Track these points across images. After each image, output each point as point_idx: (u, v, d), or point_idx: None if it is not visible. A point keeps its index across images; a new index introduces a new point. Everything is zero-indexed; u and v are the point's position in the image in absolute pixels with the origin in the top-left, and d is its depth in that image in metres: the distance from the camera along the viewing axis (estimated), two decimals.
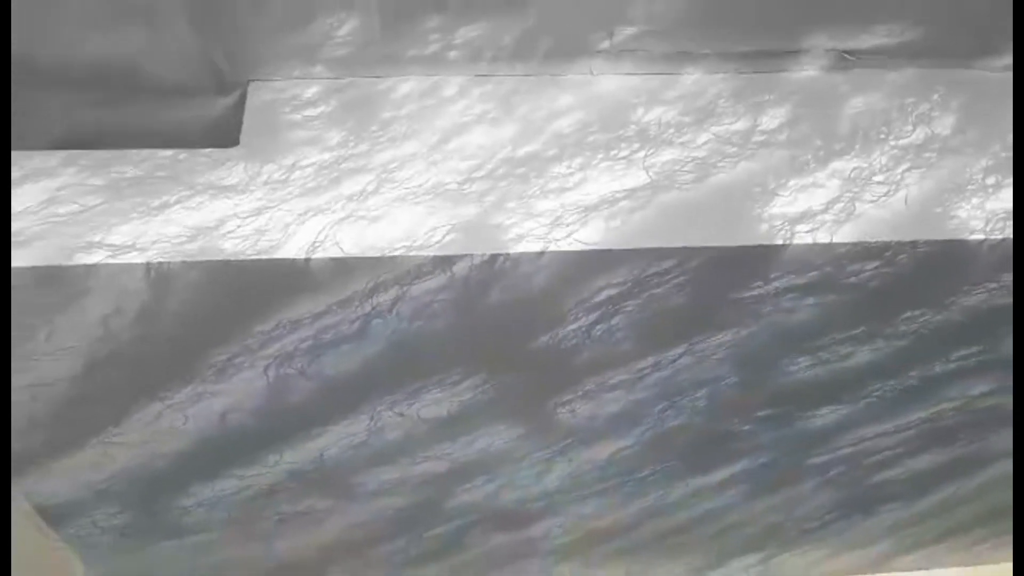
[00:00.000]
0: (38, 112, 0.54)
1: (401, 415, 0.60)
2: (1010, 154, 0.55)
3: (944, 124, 0.57)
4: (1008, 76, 0.60)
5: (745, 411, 0.64)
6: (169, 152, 0.51)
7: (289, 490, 0.68)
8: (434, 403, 0.58)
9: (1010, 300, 0.55)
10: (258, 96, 0.54)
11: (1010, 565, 0.98)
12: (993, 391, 0.65)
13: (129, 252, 0.46)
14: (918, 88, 0.58)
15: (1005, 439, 0.72)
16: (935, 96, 0.59)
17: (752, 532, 0.84)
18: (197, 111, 0.54)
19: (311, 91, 0.55)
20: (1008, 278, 0.54)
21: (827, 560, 0.93)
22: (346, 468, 0.66)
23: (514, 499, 0.73)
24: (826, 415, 0.66)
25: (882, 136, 0.55)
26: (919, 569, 0.98)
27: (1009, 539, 0.93)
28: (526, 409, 0.61)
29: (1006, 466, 0.77)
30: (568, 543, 0.82)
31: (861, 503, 0.81)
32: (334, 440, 0.62)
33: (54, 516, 0.67)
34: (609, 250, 0.48)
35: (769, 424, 0.66)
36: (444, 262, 0.47)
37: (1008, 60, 0.59)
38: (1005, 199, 0.53)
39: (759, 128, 0.55)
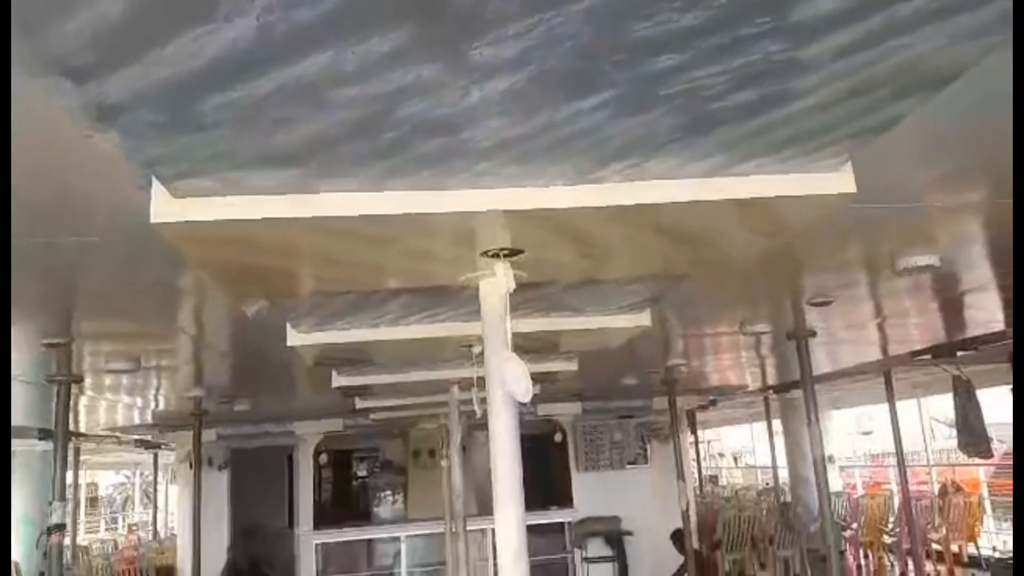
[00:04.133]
0: None
1: (354, 52, 0.84)
2: None
3: None
4: None
5: (604, 56, 0.89)
6: None
7: (278, 100, 0.94)
8: (375, 46, 0.82)
9: None
10: None
11: (815, 175, 1.32)
12: (787, 48, 0.91)
13: None
14: None
15: (798, 83, 0.99)
16: None
17: (619, 145, 1.14)
18: None
19: None
20: None
21: (680, 167, 1.25)
22: (318, 86, 0.91)
23: (443, 113, 1.00)
24: (665, 61, 0.91)
25: None
26: (754, 175, 1.31)
27: (812, 156, 1.25)
28: (445, 51, 0.85)
29: (800, 103, 1.05)
30: (484, 148, 1.12)
31: (700, 125, 1.10)
32: (308, 68, 0.86)
33: (109, 114, 0.93)
34: None
35: (624, 66, 0.92)
36: None
37: None
38: None
39: None
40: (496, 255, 1.61)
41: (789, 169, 1.29)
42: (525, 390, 1.55)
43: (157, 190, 1.22)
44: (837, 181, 1.31)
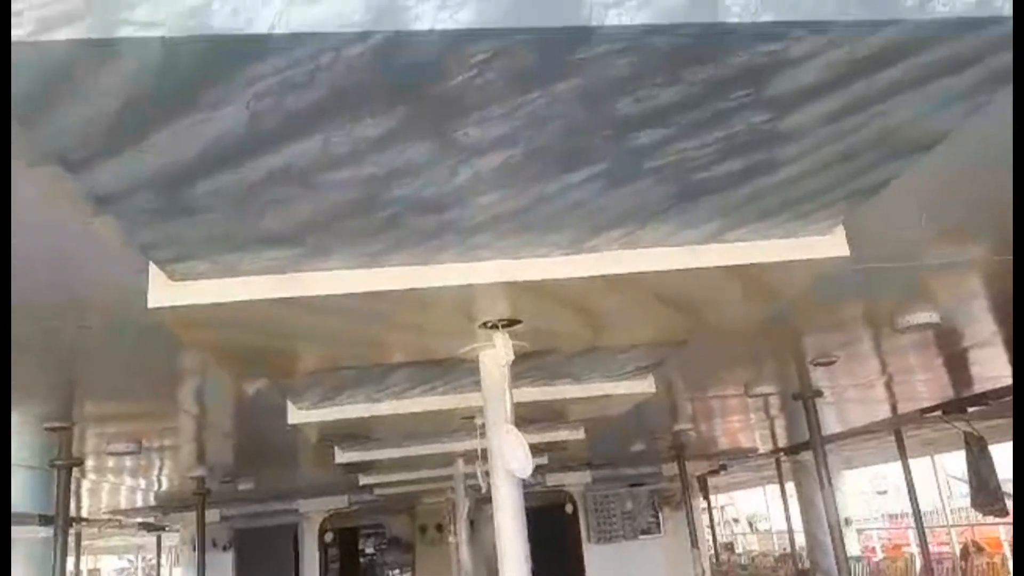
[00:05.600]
0: None
1: (347, 135, 0.86)
2: None
3: None
4: None
5: (592, 133, 0.91)
6: None
7: (270, 184, 0.95)
8: (367, 128, 0.84)
9: (763, 61, 0.80)
10: None
11: (808, 239, 1.33)
12: (770, 119, 0.92)
13: (149, 28, 0.67)
14: None
15: (784, 151, 1.00)
16: None
17: (613, 215, 1.15)
18: None
19: None
20: (762, 46, 0.78)
21: (674, 234, 1.26)
22: (310, 170, 0.92)
23: (433, 192, 1.02)
24: (650, 135, 0.92)
25: None
26: (745, 240, 1.32)
27: (804, 221, 1.26)
28: (433, 134, 0.87)
29: (788, 171, 1.06)
30: (477, 222, 1.13)
31: (690, 194, 1.11)
32: (299, 152, 0.88)
33: (105, 200, 0.94)
34: (477, 28, 0.70)
35: (610, 140, 0.93)
36: (364, 35, 0.70)
37: None
38: None
39: None
40: (494, 326, 1.61)
41: (782, 234, 1.30)
42: (524, 465, 1.52)
43: (154, 274, 1.23)
44: (830, 244, 1.32)
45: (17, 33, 0.64)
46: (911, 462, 7.66)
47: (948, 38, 0.78)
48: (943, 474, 12.78)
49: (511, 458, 1.55)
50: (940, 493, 12.73)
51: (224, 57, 0.69)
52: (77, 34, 0.65)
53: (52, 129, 0.77)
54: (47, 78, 0.69)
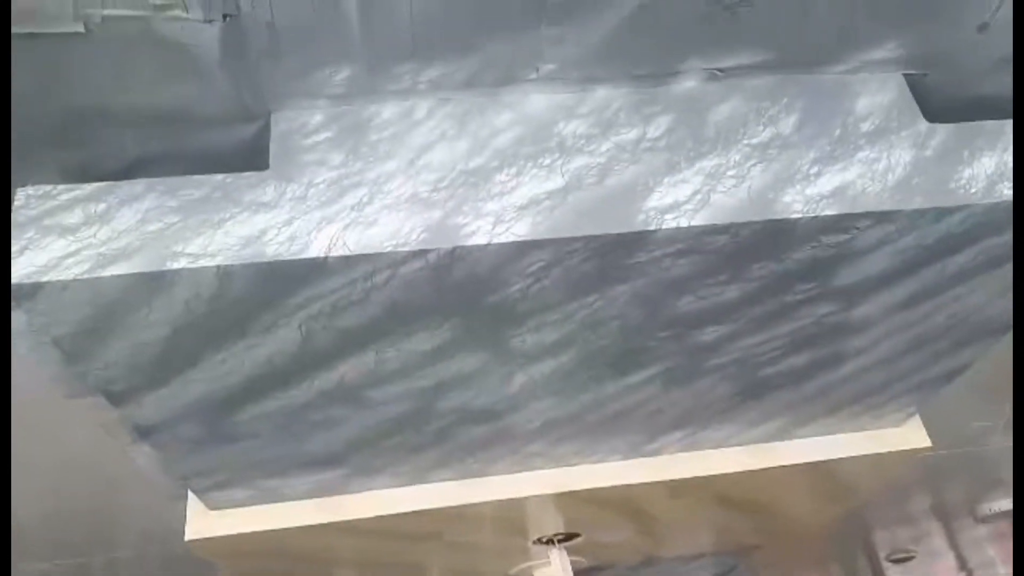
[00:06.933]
0: (115, 145, 0.73)
1: (398, 351, 0.82)
2: (834, 148, 0.75)
3: (787, 124, 0.76)
4: (844, 79, 0.80)
5: (650, 333, 0.87)
6: (220, 176, 0.71)
7: (317, 405, 0.91)
8: (420, 342, 0.81)
9: (828, 253, 0.77)
10: (278, 126, 0.74)
11: (883, 431, 1.24)
12: (835, 311, 0.88)
13: (202, 258, 0.66)
14: (771, 93, 0.77)
15: (854, 342, 0.95)
16: (784, 99, 0.78)
17: (674, 415, 1.09)
18: (235, 138, 0.74)
19: (316, 119, 0.74)
20: (826, 239, 0.75)
21: (738, 433, 1.18)
22: (360, 386, 0.89)
23: (486, 402, 0.97)
24: (712, 332, 0.88)
25: (738, 137, 0.75)
26: (815, 435, 1.24)
27: (877, 412, 1.18)
28: (487, 342, 0.83)
29: (859, 362, 1.00)
30: (531, 429, 1.07)
31: (755, 391, 1.05)
32: (350, 369, 0.84)
33: (146, 432, 0.90)
34: (535, 240, 0.69)
35: (670, 341, 0.89)
36: (420, 254, 0.68)
37: (844, 66, 0.78)
38: (822, 185, 0.73)
39: (647, 136, 0.74)
40: (550, 541, 1.50)
41: (854, 428, 1.22)
42: None
43: (192, 504, 1.17)
44: (907, 436, 1.23)
45: (74, 271, 0.63)
46: None
47: None
48: None
49: None
50: None
51: (278, 283, 0.68)
52: (132, 269, 0.64)
53: (97, 363, 0.75)
54: (98, 314, 0.67)
